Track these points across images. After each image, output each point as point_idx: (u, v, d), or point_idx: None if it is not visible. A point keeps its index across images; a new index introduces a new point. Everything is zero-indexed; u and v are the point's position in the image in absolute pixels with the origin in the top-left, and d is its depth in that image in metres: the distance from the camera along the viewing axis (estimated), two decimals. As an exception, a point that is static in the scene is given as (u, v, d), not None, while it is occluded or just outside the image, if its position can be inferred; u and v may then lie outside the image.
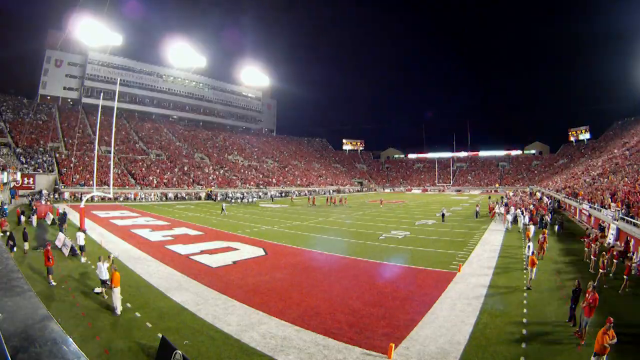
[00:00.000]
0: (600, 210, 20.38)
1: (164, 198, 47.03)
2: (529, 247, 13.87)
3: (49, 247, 11.25)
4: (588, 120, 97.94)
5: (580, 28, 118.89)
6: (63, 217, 20.74)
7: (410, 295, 10.30)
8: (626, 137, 58.64)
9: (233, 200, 47.47)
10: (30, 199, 33.43)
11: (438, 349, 7.01)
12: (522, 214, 24.30)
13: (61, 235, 16.13)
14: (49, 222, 22.86)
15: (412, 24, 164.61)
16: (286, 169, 79.25)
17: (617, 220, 16.94)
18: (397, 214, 32.88)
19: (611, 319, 6.46)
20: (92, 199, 37.73)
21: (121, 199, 43.12)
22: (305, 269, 13.36)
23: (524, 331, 7.87)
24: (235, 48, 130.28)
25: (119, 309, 8.70)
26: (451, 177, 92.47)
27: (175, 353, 5.97)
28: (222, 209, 31.94)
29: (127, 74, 72.97)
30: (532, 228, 19.13)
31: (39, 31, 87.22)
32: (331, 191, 71.78)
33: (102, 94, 42.11)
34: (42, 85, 64.79)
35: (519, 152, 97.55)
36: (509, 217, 25.16)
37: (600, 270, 11.57)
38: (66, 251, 14.45)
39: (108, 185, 30.26)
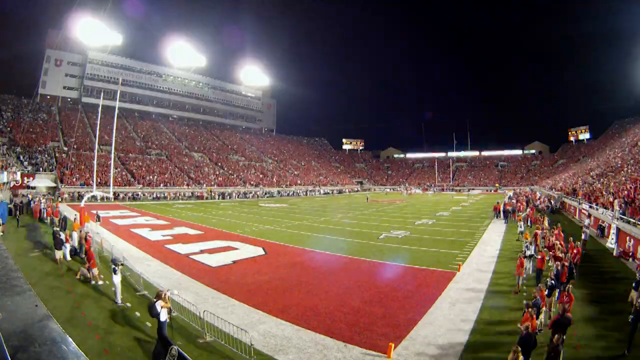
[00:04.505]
0: (598, 210, 20.37)
1: (168, 197, 46.94)
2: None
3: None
4: (588, 120, 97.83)
5: (580, 28, 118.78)
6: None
7: (410, 295, 10.31)
8: (626, 137, 58.62)
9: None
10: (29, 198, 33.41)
11: (438, 349, 7.01)
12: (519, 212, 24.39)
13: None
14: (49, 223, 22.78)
15: (412, 24, 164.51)
16: (286, 169, 79.25)
17: (617, 220, 16.93)
18: (397, 214, 32.89)
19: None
20: (92, 198, 37.70)
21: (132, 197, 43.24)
22: (305, 269, 13.36)
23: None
24: (235, 47, 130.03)
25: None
26: (451, 177, 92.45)
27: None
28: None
29: (127, 73, 72.92)
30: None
31: (39, 31, 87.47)
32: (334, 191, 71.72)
33: (102, 93, 42.08)
34: (42, 84, 64.63)
35: (518, 152, 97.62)
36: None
37: None
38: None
39: (108, 184, 30.27)
